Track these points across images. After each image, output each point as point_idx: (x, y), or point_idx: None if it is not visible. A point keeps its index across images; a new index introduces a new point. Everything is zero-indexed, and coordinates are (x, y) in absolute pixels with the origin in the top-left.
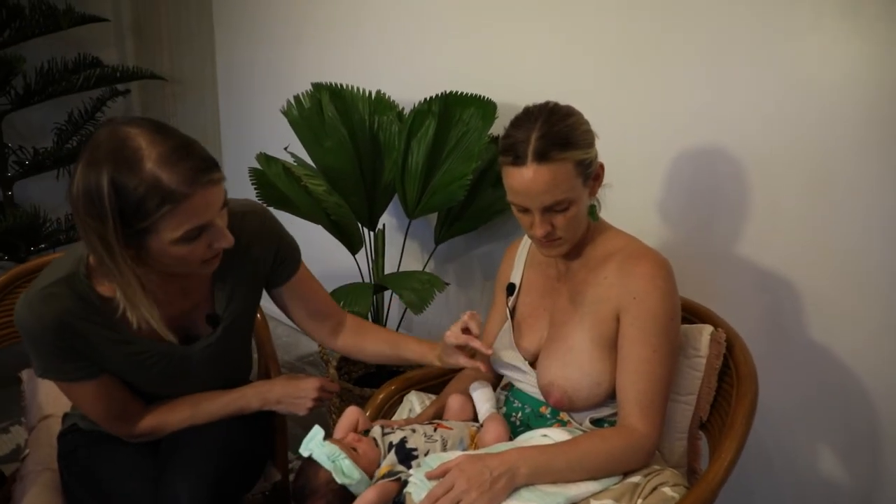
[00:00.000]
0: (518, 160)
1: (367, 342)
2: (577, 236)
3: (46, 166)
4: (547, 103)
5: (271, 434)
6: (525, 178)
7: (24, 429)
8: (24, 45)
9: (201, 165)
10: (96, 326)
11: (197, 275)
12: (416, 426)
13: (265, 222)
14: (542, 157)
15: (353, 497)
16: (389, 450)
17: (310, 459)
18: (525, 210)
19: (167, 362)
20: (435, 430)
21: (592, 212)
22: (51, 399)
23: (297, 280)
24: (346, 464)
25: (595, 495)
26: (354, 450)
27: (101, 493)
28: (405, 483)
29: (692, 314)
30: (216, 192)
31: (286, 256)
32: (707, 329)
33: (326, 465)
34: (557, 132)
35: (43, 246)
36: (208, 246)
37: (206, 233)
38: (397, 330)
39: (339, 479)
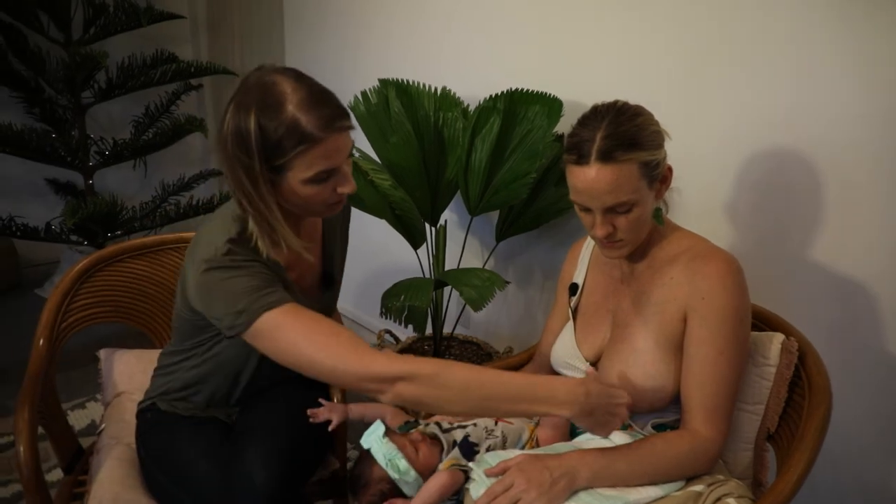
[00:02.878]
0: (582, 159)
1: None
2: (639, 239)
3: (124, 157)
4: (615, 102)
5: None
6: (588, 178)
7: (100, 404)
8: (107, 41)
9: (335, 113)
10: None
11: (315, 232)
12: (478, 420)
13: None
14: (606, 156)
15: (401, 494)
16: (453, 447)
17: (368, 452)
18: (587, 210)
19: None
20: (496, 423)
21: (658, 215)
22: (125, 377)
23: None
24: (403, 464)
25: (656, 502)
26: (416, 450)
27: (174, 472)
28: (468, 478)
29: (763, 321)
30: (346, 138)
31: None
32: (778, 337)
33: (382, 462)
34: (624, 132)
35: (119, 233)
36: (334, 189)
37: (333, 177)
38: (455, 327)
39: (393, 475)
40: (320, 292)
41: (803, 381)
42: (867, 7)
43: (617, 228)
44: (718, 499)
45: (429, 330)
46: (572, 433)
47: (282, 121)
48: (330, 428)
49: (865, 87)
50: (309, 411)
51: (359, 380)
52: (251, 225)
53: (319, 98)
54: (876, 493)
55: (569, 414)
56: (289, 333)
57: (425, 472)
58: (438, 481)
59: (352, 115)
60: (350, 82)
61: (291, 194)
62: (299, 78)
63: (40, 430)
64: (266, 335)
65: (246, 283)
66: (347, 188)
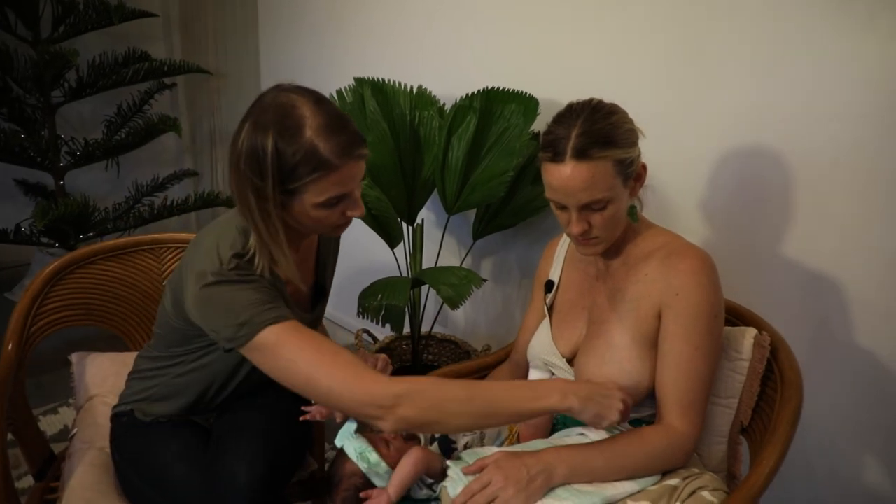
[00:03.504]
0: (557, 156)
1: None
2: (614, 236)
3: (96, 157)
4: (590, 100)
5: (310, 424)
6: (563, 175)
7: (72, 409)
8: (78, 39)
9: (353, 140)
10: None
11: (312, 245)
12: None
13: None
14: (581, 154)
15: (374, 488)
16: (431, 442)
17: (341, 451)
18: (563, 207)
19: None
20: None
21: (632, 213)
22: (98, 380)
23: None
24: (373, 456)
25: (632, 496)
26: (387, 445)
27: (152, 475)
28: (444, 474)
29: (735, 316)
30: (361, 166)
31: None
32: (751, 332)
33: (353, 456)
34: (599, 130)
35: (91, 234)
36: (343, 213)
37: (343, 201)
38: (433, 326)
39: (363, 466)
40: (311, 304)
41: (775, 375)
42: (849, 8)
43: (592, 226)
44: (693, 492)
45: (407, 329)
46: (551, 430)
47: (300, 146)
48: (338, 420)
49: (845, 89)
50: (303, 407)
51: (357, 404)
52: (251, 241)
53: (338, 124)
54: (848, 483)
55: (569, 403)
56: (289, 351)
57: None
58: (412, 456)
59: (364, 138)
60: (326, 81)
61: (301, 216)
62: (318, 101)
63: (10, 436)
64: (266, 350)
65: (250, 296)
66: (357, 212)
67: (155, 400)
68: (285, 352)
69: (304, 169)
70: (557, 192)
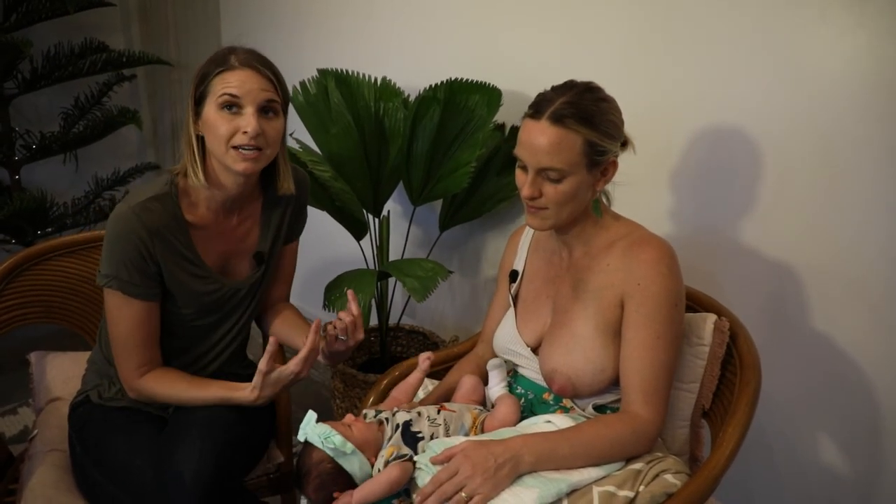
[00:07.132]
0: (536, 114)
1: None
2: (561, 215)
3: (53, 150)
4: (591, 82)
5: (273, 417)
6: (533, 132)
7: (31, 410)
8: (31, 29)
9: (259, 60)
10: (178, 244)
11: (249, 213)
12: (421, 409)
13: (305, 182)
14: (557, 119)
15: (347, 478)
16: (395, 431)
17: (306, 443)
18: (524, 167)
19: (221, 291)
20: (438, 412)
21: (595, 206)
22: (59, 382)
23: (288, 249)
24: (338, 439)
25: (597, 482)
26: (349, 427)
27: (107, 466)
28: (415, 466)
29: (696, 303)
30: (259, 79)
31: (300, 223)
32: (710, 318)
33: (317, 443)
34: (584, 107)
35: (50, 230)
36: (238, 129)
37: (238, 115)
38: (401, 318)
39: (329, 449)
40: (251, 271)
41: (735, 360)
42: (802, 1)
43: (543, 195)
44: (657, 475)
45: (375, 321)
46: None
47: (212, 58)
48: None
49: (800, 81)
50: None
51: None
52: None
53: (257, 55)
54: (805, 462)
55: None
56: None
57: (362, 446)
58: (389, 475)
59: (275, 72)
60: (289, 72)
61: (208, 125)
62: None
63: None
64: (106, 301)
65: (119, 254)
66: (248, 126)
67: (111, 393)
68: (114, 305)
69: (209, 69)
70: (523, 147)
